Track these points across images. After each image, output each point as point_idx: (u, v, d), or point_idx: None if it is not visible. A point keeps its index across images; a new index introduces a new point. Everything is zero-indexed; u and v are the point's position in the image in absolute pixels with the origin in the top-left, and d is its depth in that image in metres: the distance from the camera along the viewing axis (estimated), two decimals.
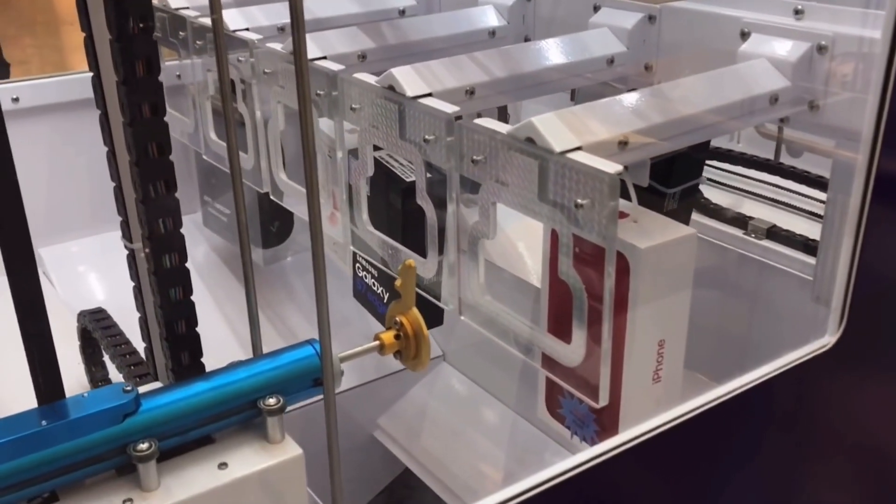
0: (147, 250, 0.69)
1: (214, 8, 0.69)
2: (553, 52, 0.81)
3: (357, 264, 1.03)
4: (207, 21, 1.05)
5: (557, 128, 0.60)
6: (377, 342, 0.63)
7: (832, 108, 0.71)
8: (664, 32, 0.81)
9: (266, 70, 0.93)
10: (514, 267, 0.81)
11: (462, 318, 0.73)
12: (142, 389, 0.54)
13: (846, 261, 0.62)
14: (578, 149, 0.59)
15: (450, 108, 0.69)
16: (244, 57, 0.97)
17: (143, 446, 0.51)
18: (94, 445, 0.51)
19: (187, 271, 0.67)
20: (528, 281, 0.83)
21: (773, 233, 1.10)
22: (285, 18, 1.04)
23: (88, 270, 1.41)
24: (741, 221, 1.11)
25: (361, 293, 1.04)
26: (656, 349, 0.66)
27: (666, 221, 0.66)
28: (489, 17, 0.99)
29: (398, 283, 0.63)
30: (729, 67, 0.72)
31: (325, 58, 0.87)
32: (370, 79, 0.77)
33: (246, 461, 0.54)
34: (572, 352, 0.61)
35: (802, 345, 0.86)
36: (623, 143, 0.62)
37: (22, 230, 0.51)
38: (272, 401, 0.55)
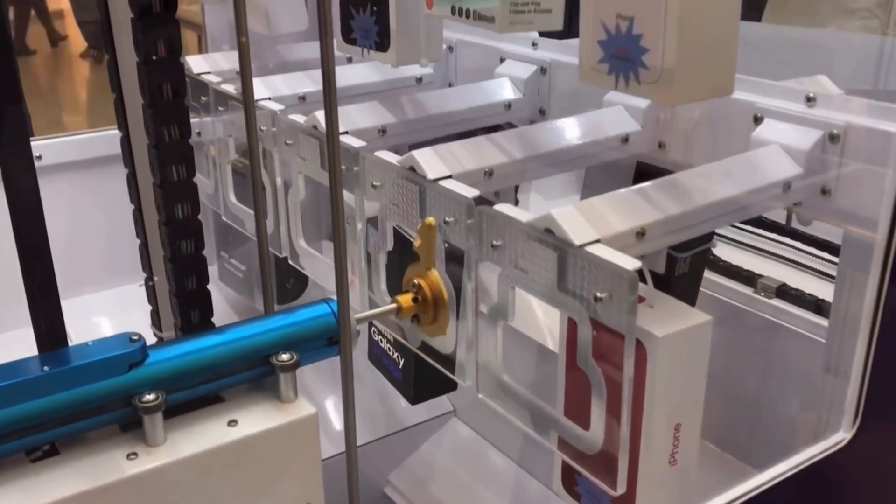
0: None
1: (246, 92, 0.71)
2: (569, 131, 0.83)
3: (373, 328, 1.05)
4: (230, 87, 1.07)
5: (576, 221, 0.62)
6: (394, 304, 0.61)
7: (844, 195, 0.73)
8: (678, 113, 0.83)
9: (288, 141, 0.95)
10: (529, 328, 0.82)
11: (479, 395, 0.74)
12: None
13: (861, 358, 0.63)
14: (597, 241, 0.60)
15: (470, 192, 0.70)
16: (266, 126, 0.99)
17: (150, 397, 0.49)
18: (98, 395, 0.49)
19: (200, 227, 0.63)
20: (544, 344, 0.84)
21: (783, 292, 1.11)
22: (306, 88, 1.07)
23: (105, 323, 1.43)
24: (750, 279, 1.12)
25: (377, 357, 1.06)
26: (673, 433, 0.67)
27: (682, 308, 0.67)
28: (505, 90, 1.01)
29: (417, 243, 0.60)
30: (743, 155, 0.73)
31: (346, 133, 0.89)
32: (392, 158, 0.79)
33: (257, 419, 0.51)
34: (591, 438, 0.62)
35: (813, 411, 0.87)
36: (640, 234, 0.63)
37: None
38: (285, 356, 0.53)
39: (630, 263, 0.56)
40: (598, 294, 0.58)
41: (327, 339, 0.56)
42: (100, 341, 0.50)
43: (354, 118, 0.91)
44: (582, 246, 0.59)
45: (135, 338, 0.50)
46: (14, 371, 0.47)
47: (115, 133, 1.40)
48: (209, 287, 0.80)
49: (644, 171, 0.92)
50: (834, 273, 1.14)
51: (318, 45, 1.27)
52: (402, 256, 0.89)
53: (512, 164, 0.79)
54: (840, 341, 0.82)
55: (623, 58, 0.62)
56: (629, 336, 0.57)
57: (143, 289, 1.48)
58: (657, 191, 0.66)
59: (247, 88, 0.70)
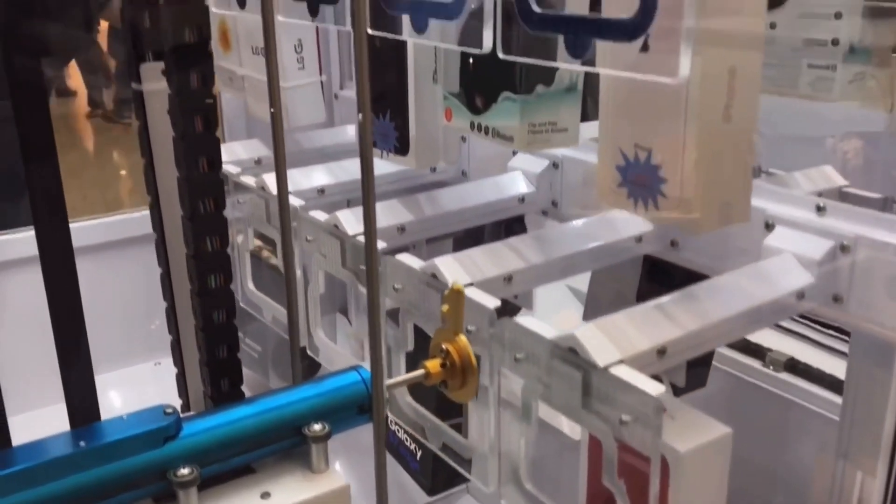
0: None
1: (280, 192, 0.73)
2: (584, 233, 0.86)
3: (390, 417, 1.06)
4: (249, 179, 1.10)
5: (599, 340, 0.63)
6: (422, 370, 0.61)
7: (857, 302, 0.75)
8: None
9: (308, 238, 0.97)
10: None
11: (502, 502, 0.75)
12: None
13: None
14: (621, 362, 0.62)
15: (492, 303, 0.72)
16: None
17: (185, 471, 0.48)
18: (134, 470, 0.48)
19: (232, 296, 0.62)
20: (561, 430, 0.85)
21: (792, 366, 1.12)
22: (325, 181, 1.09)
23: (121, 400, 1.45)
24: (759, 352, 1.13)
25: (394, 446, 1.07)
26: None
27: (702, 420, 0.69)
28: (518, 185, 1.03)
29: (444, 307, 0.61)
30: (757, 265, 0.75)
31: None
32: (414, 263, 0.81)
33: (289, 491, 0.51)
34: None
35: (824, 492, 0.88)
36: (661, 352, 0.65)
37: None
38: (317, 427, 0.53)
39: (654, 388, 0.58)
40: (624, 417, 0.59)
41: (358, 407, 0.57)
42: (134, 414, 0.50)
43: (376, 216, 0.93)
44: (606, 368, 0.61)
45: (169, 410, 0.50)
46: (49, 447, 0.47)
47: (118, 219, 1.43)
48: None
49: (652, 263, 0.95)
50: (841, 347, 1.16)
51: (333, 132, 1.30)
52: (421, 356, 0.91)
53: (530, 270, 0.81)
54: (852, 431, 0.83)
55: (642, 185, 0.64)
56: (654, 457, 0.59)
57: (158, 368, 1.49)
58: (676, 306, 0.68)
59: (282, 197, 0.72)
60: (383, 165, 1.14)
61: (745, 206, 0.64)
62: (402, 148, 0.91)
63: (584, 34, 0.55)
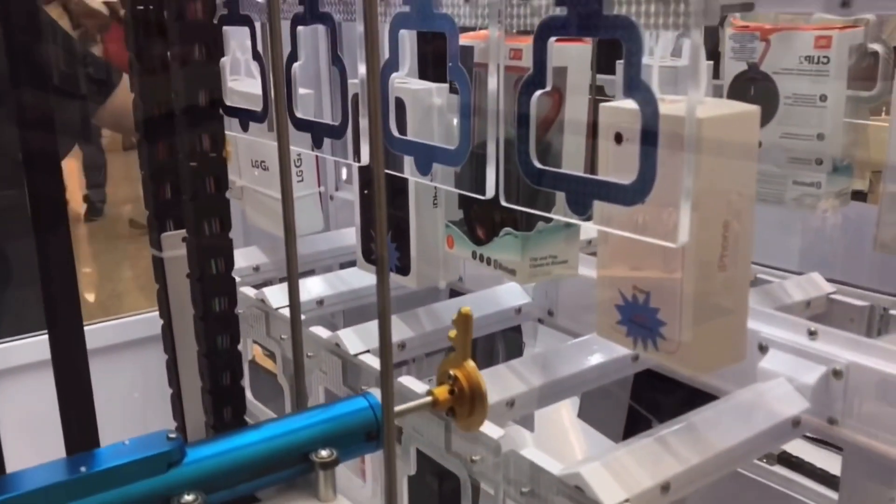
0: None
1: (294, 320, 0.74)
2: (584, 353, 0.88)
3: None
4: (249, 291, 1.12)
5: (604, 478, 0.65)
6: (430, 398, 0.59)
7: (851, 426, 0.77)
8: None
9: (309, 354, 0.99)
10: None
11: None
12: None
13: None
14: (626, 501, 0.63)
15: (496, 433, 0.74)
16: (286, 335, 1.03)
17: (189, 498, 0.46)
18: (136, 497, 0.46)
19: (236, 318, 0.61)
20: None
21: (784, 459, 1.14)
22: (323, 292, 1.11)
23: None
24: None
25: None
26: None
27: None
28: (515, 296, 1.06)
29: (452, 333, 0.58)
30: (752, 390, 0.77)
31: (367, 351, 0.93)
32: (418, 387, 0.82)
33: None
34: None
35: None
36: (665, 489, 0.66)
37: None
38: (325, 453, 0.51)
39: None
40: None
41: (366, 434, 0.55)
42: (137, 439, 0.48)
43: (375, 335, 0.95)
44: None
45: (172, 435, 0.48)
46: (49, 473, 0.45)
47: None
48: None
49: (644, 376, 0.96)
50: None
51: (330, 237, 1.32)
52: (420, 468, 0.92)
53: (532, 393, 0.83)
54: None
55: (641, 325, 0.66)
56: None
57: None
58: (677, 438, 0.70)
59: (294, 310, 0.71)
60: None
61: (741, 347, 0.66)
62: (403, 268, 0.93)
63: (584, 195, 0.58)
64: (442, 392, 0.59)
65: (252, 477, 0.50)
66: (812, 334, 0.80)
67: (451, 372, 0.59)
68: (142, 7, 0.65)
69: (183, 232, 0.58)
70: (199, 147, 0.57)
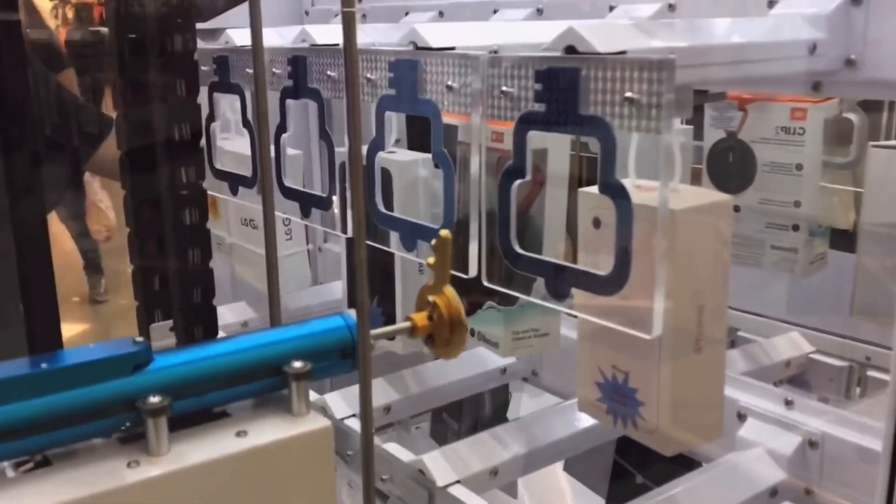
0: None
1: None
2: (566, 420, 0.89)
3: None
4: None
5: None
6: (408, 323, 0.58)
7: (827, 496, 0.78)
8: None
9: None
10: None
11: None
12: None
13: None
14: None
15: (478, 502, 0.75)
16: None
17: (155, 400, 0.44)
18: (100, 397, 0.44)
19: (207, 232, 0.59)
20: None
21: None
22: None
23: None
24: None
25: None
26: None
27: None
28: (498, 358, 1.07)
29: (430, 260, 0.57)
30: (732, 460, 0.79)
31: (353, 416, 0.94)
32: (402, 455, 0.84)
33: (267, 430, 0.47)
34: None
35: None
36: None
37: None
38: (298, 364, 0.49)
39: None
40: None
41: (340, 352, 0.53)
42: (101, 344, 0.47)
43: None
44: None
45: (139, 339, 0.47)
46: (8, 369, 0.43)
47: None
48: None
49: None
50: None
51: (317, 291, 1.33)
52: None
53: (515, 461, 0.84)
54: None
55: (620, 403, 0.68)
56: None
57: None
58: None
59: None
60: None
61: (717, 425, 0.68)
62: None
63: (563, 282, 0.60)
64: (421, 318, 0.58)
65: (221, 386, 0.48)
66: (788, 403, 0.82)
67: (430, 298, 0.58)
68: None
69: (170, 322, 0.59)
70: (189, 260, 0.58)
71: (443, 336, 0.58)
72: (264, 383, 0.50)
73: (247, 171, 0.98)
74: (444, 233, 0.57)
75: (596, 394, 0.70)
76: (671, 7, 0.84)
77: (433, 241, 0.57)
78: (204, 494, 0.44)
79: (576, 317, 0.78)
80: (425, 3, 1.15)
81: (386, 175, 0.84)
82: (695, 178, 1.08)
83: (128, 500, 0.42)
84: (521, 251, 0.63)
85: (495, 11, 1.04)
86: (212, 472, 0.44)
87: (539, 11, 0.98)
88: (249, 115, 0.96)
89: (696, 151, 1.09)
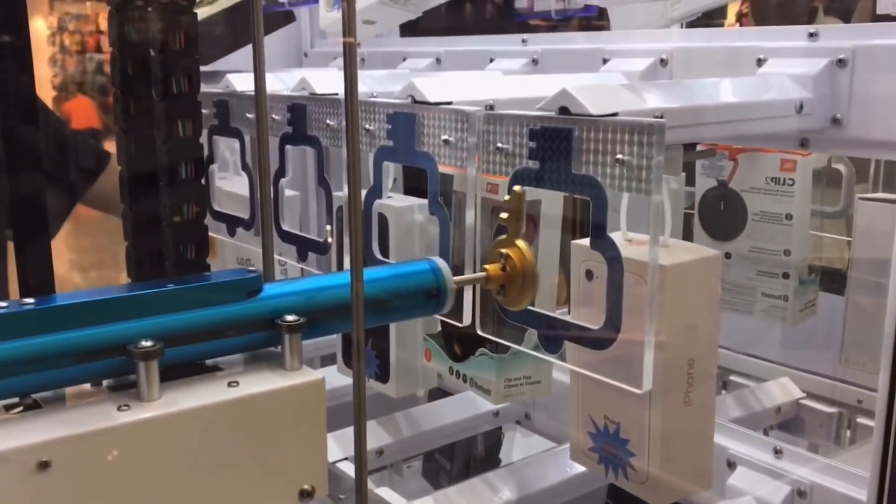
0: None
1: None
2: (556, 465, 0.90)
3: None
4: None
5: None
6: (483, 273, 0.61)
7: None
8: None
9: None
10: None
11: None
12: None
13: None
14: None
15: None
16: None
17: (147, 343, 0.44)
18: (220, 319, 0.47)
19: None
20: None
21: None
22: None
23: None
24: None
25: None
26: None
27: None
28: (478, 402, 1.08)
29: (503, 215, 0.60)
30: None
31: (346, 459, 0.94)
32: (396, 501, 0.84)
33: (259, 382, 0.47)
34: None
35: None
36: None
37: None
38: (291, 318, 0.49)
39: None
40: None
41: (426, 293, 0.57)
42: (218, 272, 0.51)
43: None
44: None
45: (252, 269, 0.50)
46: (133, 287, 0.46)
47: None
48: None
49: None
50: None
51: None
52: None
53: None
54: None
55: (612, 454, 0.69)
56: None
57: None
58: None
59: None
60: None
61: (707, 476, 0.69)
62: (382, 376, 0.95)
63: (556, 335, 0.61)
64: (495, 269, 0.61)
65: (325, 317, 0.52)
66: (778, 453, 0.83)
67: (503, 251, 0.61)
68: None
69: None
70: None
71: (515, 286, 0.61)
72: (258, 336, 0.50)
73: (244, 212, 0.99)
74: (518, 188, 0.59)
75: (588, 443, 0.71)
76: (663, 62, 0.86)
77: (507, 196, 0.60)
78: (193, 440, 0.45)
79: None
80: (423, 50, 1.17)
81: (382, 220, 0.86)
82: (686, 224, 1.10)
83: (117, 442, 0.42)
84: None
85: (491, 60, 1.06)
86: (201, 418, 0.45)
87: (534, 62, 1.01)
88: (248, 160, 0.98)
89: (688, 196, 1.11)
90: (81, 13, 7.16)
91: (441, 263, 0.60)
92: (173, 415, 0.44)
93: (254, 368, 0.49)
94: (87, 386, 0.45)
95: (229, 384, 0.47)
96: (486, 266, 0.62)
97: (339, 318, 0.53)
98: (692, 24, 0.98)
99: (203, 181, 0.57)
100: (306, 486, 0.48)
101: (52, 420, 0.42)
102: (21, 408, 0.43)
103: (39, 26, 7.00)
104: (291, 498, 0.48)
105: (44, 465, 0.39)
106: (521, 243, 0.61)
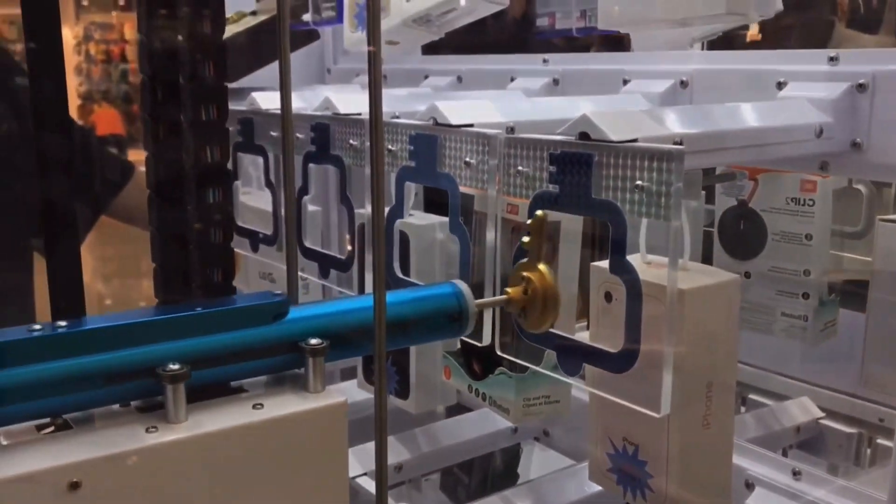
0: None
1: None
2: (575, 483, 0.90)
3: None
4: None
5: None
6: (505, 296, 0.62)
7: None
8: None
9: None
10: None
11: None
12: None
13: None
14: None
15: None
16: None
17: (174, 366, 0.45)
18: (246, 341, 0.48)
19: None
20: None
21: None
22: None
23: None
24: None
25: None
26: None
27: None
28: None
29: (525, 239, 0.61)
30: None
31: (364, 474, 0.95)
32: None
33: (283, 404, 0.48)
34: None
35: None
36: None
37: None
38: (315, 341, 0.50)
39: None
40: None
41: (448, 317, 0.58)
42: (244, 295, 0.53)
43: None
44: None
45: (278, 292, 0.52)
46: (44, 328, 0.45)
47: None
48: None
49: None
50: None
51: None
52: None
53: None
54: None
55: (630, 475, 0.69)
56: None
57: None
58: None
59: None
60: None
61: (726, 496, 0.69)
62: (402, 392, 0.95)
63: (575, 358, 0.62)
64: (516, 291, 0.62)
65: (350, 339, 0.53)
66: (796, 474, 0.83)
67: (525, 274, 0.62)
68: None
69: None
70: None
71: (536, 309, 0.62)
72: (282, 359, 0.51)
73: (267, 228, 1.01)
74: (540, 213, 0.61)
75: (607, 464, 0.71)
76: (683, 83, 0.87)
77: (529, 221, 0.61)
78: (219, 461, 0.46)
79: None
80: (445, 68, 1.18)
81: (403, 238, 0.87)
82: (706, 243, 1.10)
83: (145, 463, 0.43)
84: None
85: (512, 79, 1.07)
86: (227, 440, 0.46)
87: (555, 82, 1.01)
88: (272, 177, 0.99)
89: (708, 215, 1.11)
90: (107, 22, 7.24)
91: (463, 287, 0.60)
92: (200, 437, 0.45)
93: (278, 391, 0.50)
94: (116, 406, 0.46)
95: (254, 406, 0.48)
96: (508, 289, 0.63)
97: (362, 341, 0.54)
98: (713, 45, 0.98)
99: (230, 205, 0.58)
100: None
101: (83, 441, 0.43)
102: (52, 428, 0.44)
103: (66, 35, 7.10)
104: None
105: (74, 486, 0.40)
106: (542, 267, 0.62)
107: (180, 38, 0.56)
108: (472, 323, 0.60)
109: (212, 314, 0.48)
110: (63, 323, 0.44)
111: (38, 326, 0.44)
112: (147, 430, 0.44)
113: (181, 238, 0.57)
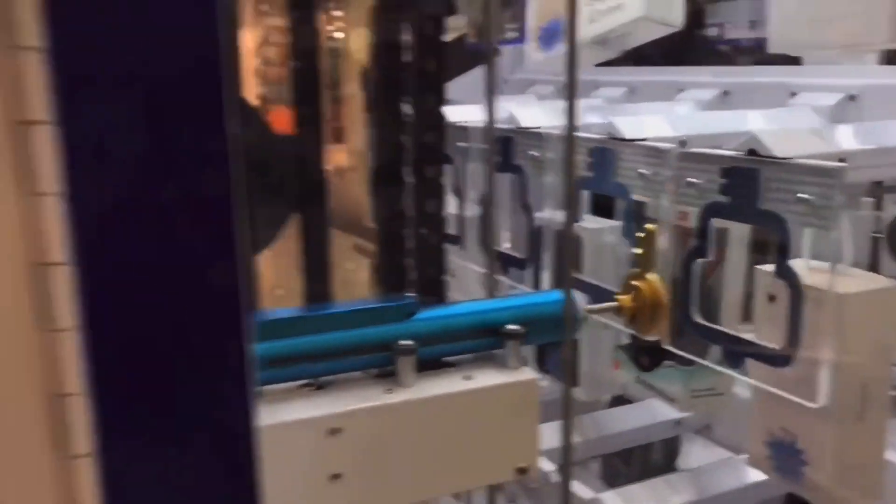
0: None
1: None
2: (735, 473, 0.95)
3: None
4: None
5: None
6: (616, 303, 0.68)
7: None
8: None
9: None
10: None
11: None
12: None
13: None
14: None
15: None
16: None
17: (407, 342, 0.56)
18: (382, 336, 0.56)
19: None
20: None
21: None
22: None
23: None
24: None
25: None
26: None
27: None
28: (672, 409, 1.14)
29: (637, 250, 0.67)
30: None
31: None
32: (583, 492, 0.93)
33: (487, 377, 0.58)
34: None
35: None
36: None
37: None
38: (514, 327, 0.60)
39: None
40: None
41: (554, 321, 0.63)
42: (381, 298, 0.62)
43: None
44: None
45: (410, 295, 0.61)
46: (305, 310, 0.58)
47: None
48: None
49: None
50: None
51: None
52: None
53: None
54: None
55: (787, 462, 0.75)
56: None
57: None
58: None
59: None
60: None
61: (878, 487, 0.73)
62: (572, 381, 1.04)
63: (738, 352, 0.68)
64: (626, 300, 0.69)
65: (459, 338, 0.60)
66: None
67: (635, 283, 0.68)
68: None
69: None
70: None
71: (644, 316, 0.68)
72: (484, 342, 0.61)
73: (453, 230, 1.12)
74: (650, 226, 0.67)
75: (766, 451, 0.77)
76: (852, 98, 0.90)
77: (639, 234, 0.67)
78: (438, 419, 0.56)
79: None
80: (616, 79, 1.26)
81: (577, 240, 0.95)
82: (874, 248, 1.11)
83: (386, 416, 0.55)
84: (700, 321, 0.72)
85: (681, 90, 1.13)
86: (445, 402, 0.56)
87: (725, 93, 1.07)
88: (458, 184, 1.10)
89: (877, 221, 1.13)
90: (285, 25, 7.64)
91: (578, 295, 0.66)
92: (425, 398, 0.56)
93: (482, 366, 0.61)
94: (356, 374, 0.58)
95: (464, 378, 0.59)
96: (618, 296, 0.69)
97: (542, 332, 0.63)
98: (892, 60, 1.00)
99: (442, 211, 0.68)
100: (522, 465, 0.59)
101: (339, 397, 0.55)
102: (313, 387, 0.56)
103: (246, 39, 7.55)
104: (510, 473, 0.59)
105: (334, 431, 0.52)
106: (651, 276, 0.68)
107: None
108: (582, 325, 0.66)
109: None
110: (320, 306, 0.56)
111: (297, 309, 0.56)
112: (385, 391, 0.56)
113: (400, 236, 0.68)
